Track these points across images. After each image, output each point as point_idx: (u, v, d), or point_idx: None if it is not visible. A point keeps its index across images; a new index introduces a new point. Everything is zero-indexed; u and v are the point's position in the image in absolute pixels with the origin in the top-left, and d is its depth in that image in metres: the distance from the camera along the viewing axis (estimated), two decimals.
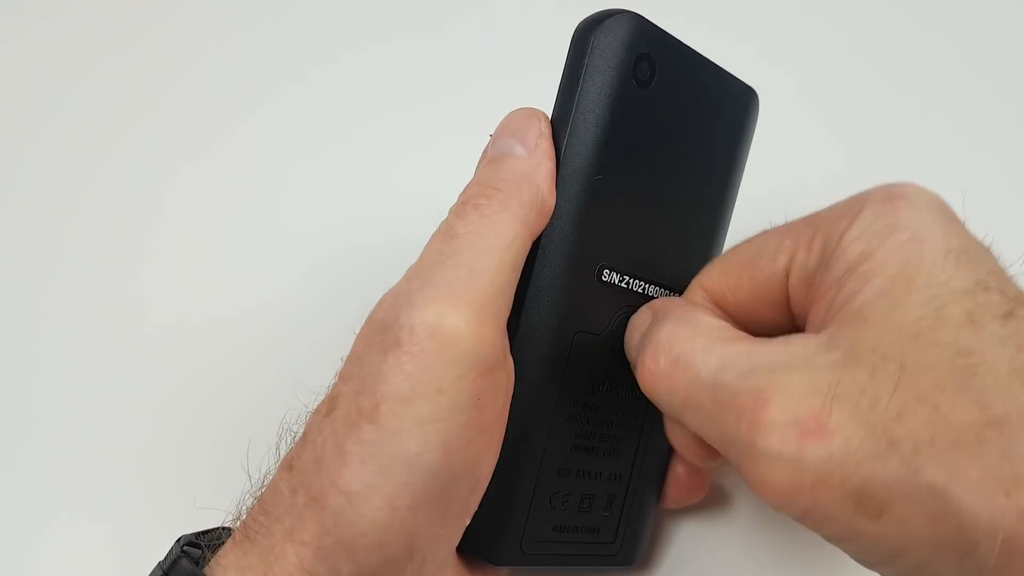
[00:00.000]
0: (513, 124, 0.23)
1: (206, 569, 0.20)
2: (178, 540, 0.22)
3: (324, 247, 0.36)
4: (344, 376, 0.21)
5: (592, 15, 0.23)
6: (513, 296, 0.21)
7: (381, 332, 0.20)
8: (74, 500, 0.33)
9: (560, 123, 0.23)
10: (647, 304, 0.24)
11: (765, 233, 0.22)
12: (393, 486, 0.19)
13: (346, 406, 0.20)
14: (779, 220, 0.22)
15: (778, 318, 0.22)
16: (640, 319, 0.23)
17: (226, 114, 0.40)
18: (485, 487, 0.22)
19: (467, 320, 0.20)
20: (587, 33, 0.22)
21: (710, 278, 0.23)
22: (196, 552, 0.21)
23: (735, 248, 0.23)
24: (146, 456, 0.34)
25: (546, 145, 0.22)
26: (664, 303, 0.24)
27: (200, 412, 0.34)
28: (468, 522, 0.22)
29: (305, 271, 0.36)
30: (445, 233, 0.21)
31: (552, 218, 0.22)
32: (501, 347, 0.21)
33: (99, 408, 0.35)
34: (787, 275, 0.21)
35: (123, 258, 0.38)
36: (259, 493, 0.22)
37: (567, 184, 0.22)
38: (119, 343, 0.36)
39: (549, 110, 0.23)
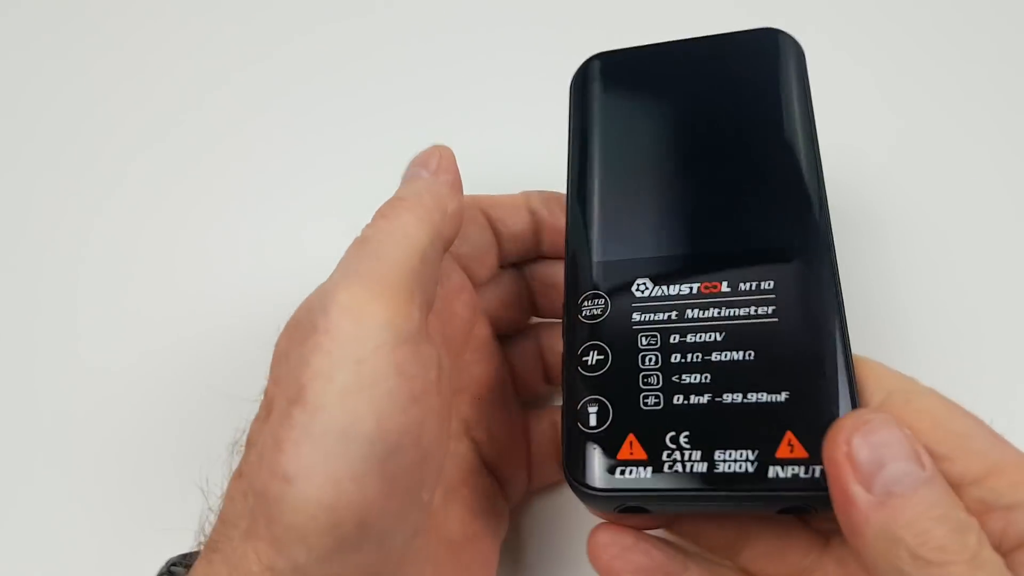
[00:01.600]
0: (419, 157, 0.26)
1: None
2: (167, 561, 0.23)
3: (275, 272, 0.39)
4: (273, 378, 0.22)
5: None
6: (428, 283, 0.23)
7: (299, 326, 0.21)
8: (39, 526, 0.34)
9: (570, 161, 0.28)
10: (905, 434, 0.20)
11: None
12: (331, 462, 0.19)
13: (279, 402, 0.21)
14: None
15: None
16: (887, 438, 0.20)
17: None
18: (438, 461, 0.22)
19: (377, 296, 0.21)
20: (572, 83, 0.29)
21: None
22: (180, 571, 0.22)
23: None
24: (103, 480, 0.35)
25: (447, 166, 0.26)
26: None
27: (153, 438, 0.35)
28: (427, 498, 0.22)
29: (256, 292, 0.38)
30: (357, 240, 0.23)
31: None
32: (418, 323, 0.22)
33: (53, 431, 0.36)
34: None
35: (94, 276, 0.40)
36: (219, 507, 0.22)
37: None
38: (71, 367, 0.38)
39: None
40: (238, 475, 0.22)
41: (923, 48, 0.41)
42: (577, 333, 0.24)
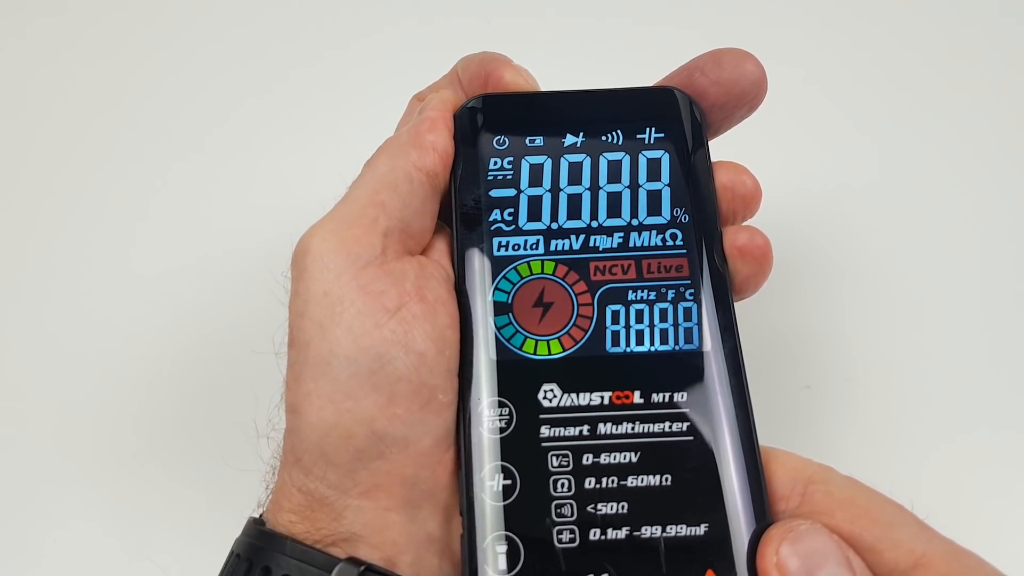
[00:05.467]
0: (422, 104, 0.27)
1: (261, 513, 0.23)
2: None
3: None
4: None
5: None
6: (400, 208, 0.23)
7: (291, 278, 0.23)
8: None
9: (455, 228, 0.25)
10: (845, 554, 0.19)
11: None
12: (323, 386, 0.21)
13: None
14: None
15: None
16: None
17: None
18: (446, 362, 0.22)
19: (333, 231, 0.23)
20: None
21: None
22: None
23: None
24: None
25: (435, 105, 0.26)
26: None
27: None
28: (447, 399, 0.22)
29: None
30: None
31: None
32: (382, 245, 0.23)
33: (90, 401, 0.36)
34: None
35: (112, 243, 0.40)
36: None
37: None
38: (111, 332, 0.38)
39: None
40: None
41: (885, 77, 0.42)
42: (479, 449, 0.22)
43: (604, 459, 0.21)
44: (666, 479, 0.21)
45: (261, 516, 0.23)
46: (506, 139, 0.26)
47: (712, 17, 0.44)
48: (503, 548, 0.20)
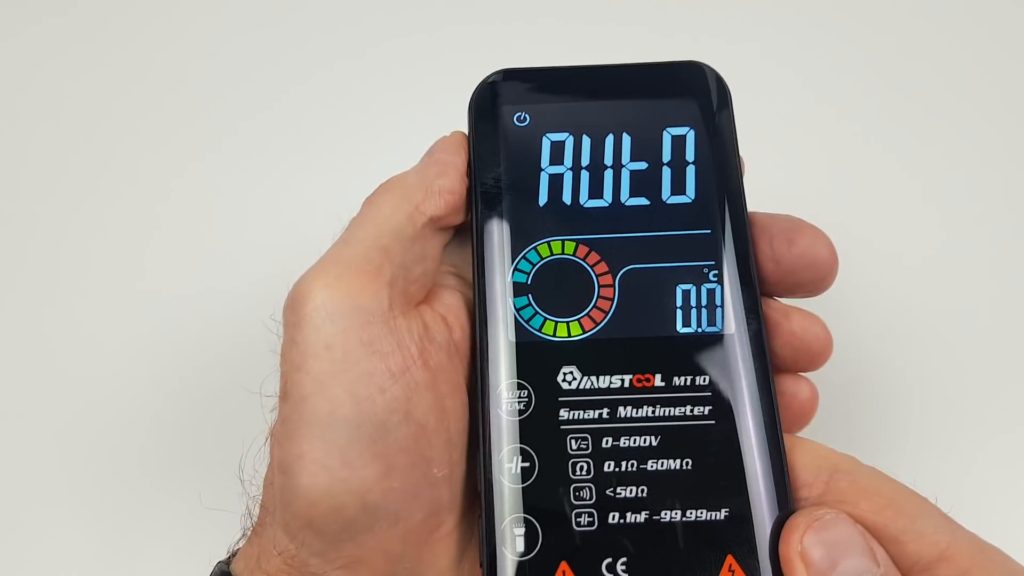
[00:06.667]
0: (433, 145, 0.25)
1: (232, 563, 0.22)
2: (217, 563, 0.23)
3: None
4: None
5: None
6: (404, 258, 0.22)
7: (283, 323, 0.21)
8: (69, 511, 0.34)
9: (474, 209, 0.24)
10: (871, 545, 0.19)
11: None
12: (318, 449, 0.20)
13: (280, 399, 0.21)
14: None
15: None
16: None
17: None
18: (444, 435, 0.21)
19: (340, 279, 0.21)
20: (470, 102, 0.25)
21: None
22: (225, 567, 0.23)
23: None
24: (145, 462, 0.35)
25: (445, 147, 0.24)
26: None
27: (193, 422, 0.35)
28: (442, 474, 0.21)
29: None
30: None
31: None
32: (388, 299, 0.21)
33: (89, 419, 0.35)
34: None
35: (122, 255, 0.39)
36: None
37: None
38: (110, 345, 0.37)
39: None
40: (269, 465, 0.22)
41: (850, 82, 0.41)
42: (497, 431, 0.21)
43: (624, 442, 0.21)
44: (686, 463, 0.21)
45: (230, 567, 0.22)
46: (527, 115, 0.25)
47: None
48: (521, 530, 0.20)
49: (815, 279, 0.23)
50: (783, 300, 0.24)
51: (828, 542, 0.19)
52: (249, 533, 0.23)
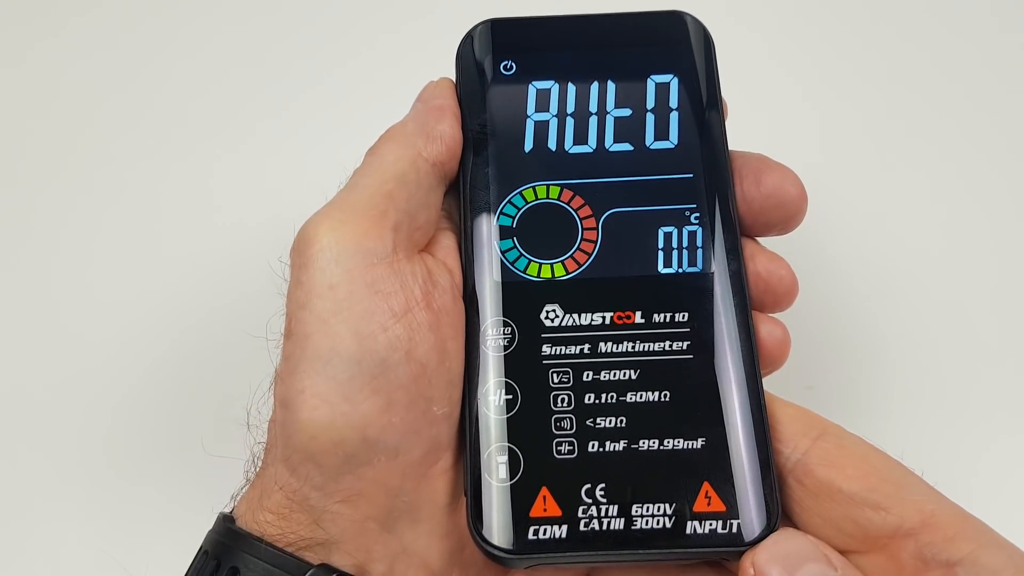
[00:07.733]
0: (422, 91, 0.25)
1: (233, 508, 0.23)
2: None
3: None
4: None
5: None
6: (409, 203, 0.22)
7: (290, 265, 0.22)
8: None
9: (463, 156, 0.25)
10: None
11: None
12: (319, 384, 0.20)
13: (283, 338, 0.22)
14: None
15: None
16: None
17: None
18: (445, 375, 0.22)
19: (345, 223, 0.21)
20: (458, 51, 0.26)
21: None
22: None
23: None
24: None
25: (438, 92, 0.25)
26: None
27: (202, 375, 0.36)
28: (442, 412, 0.22)
29: None
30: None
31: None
32: (392, 242, 0.22)
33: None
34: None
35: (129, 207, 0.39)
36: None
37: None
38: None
39: None
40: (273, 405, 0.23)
41: (841, 47, 0.41)
42: (482, 365, 0.22)
43: (604, 376, 0.22)
44: (665, 395, 0.22)
45: (232, 512, 0.23)
46: (513, 64, 0.26)
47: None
48: (504, 458, 0.21)
49: (784, 217, 0.24)
50: (755, 242, 0.24)
51: (781, 555, 0.19)
52: (252, 477, 0.23)
